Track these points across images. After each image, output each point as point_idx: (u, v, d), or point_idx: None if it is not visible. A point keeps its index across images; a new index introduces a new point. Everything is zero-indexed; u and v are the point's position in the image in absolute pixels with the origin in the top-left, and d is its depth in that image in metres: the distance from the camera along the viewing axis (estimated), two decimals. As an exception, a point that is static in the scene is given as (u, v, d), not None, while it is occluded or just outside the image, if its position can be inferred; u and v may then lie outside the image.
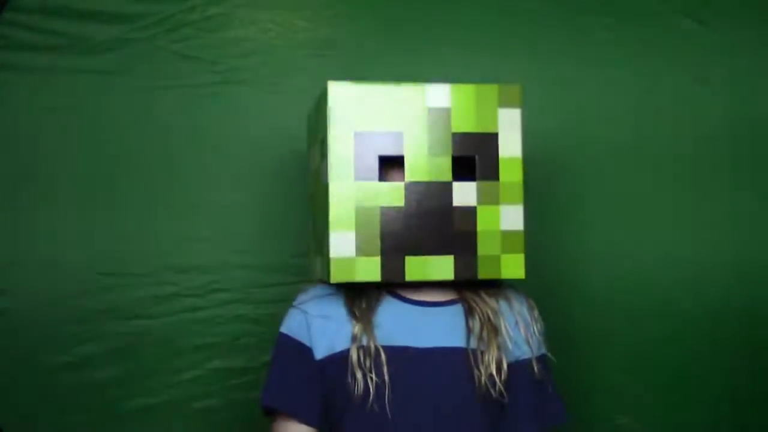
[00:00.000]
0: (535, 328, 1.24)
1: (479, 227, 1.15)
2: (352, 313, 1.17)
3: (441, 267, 1.14)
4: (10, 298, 1.59)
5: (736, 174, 1.83)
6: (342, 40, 1.71)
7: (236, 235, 1.66)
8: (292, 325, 1.21)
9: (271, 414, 1.21)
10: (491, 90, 1.16)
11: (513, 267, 1.16)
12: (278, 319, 1.25)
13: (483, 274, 1.15)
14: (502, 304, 1.23)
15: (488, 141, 1.15)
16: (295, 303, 1.24)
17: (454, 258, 1.14)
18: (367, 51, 1.72)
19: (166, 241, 1.64)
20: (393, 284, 1.19)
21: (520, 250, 1.16)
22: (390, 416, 1.11)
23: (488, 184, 1.15)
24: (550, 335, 1.27)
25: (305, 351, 1.18)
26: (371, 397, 1.11)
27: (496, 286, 1.25)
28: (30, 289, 1.59)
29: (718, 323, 1.81)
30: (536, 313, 1.26)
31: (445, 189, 1.14)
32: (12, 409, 1.58)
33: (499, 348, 1.16)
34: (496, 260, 1.16)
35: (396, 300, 1.20)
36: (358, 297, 1.19)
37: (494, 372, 1.14)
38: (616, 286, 1.79)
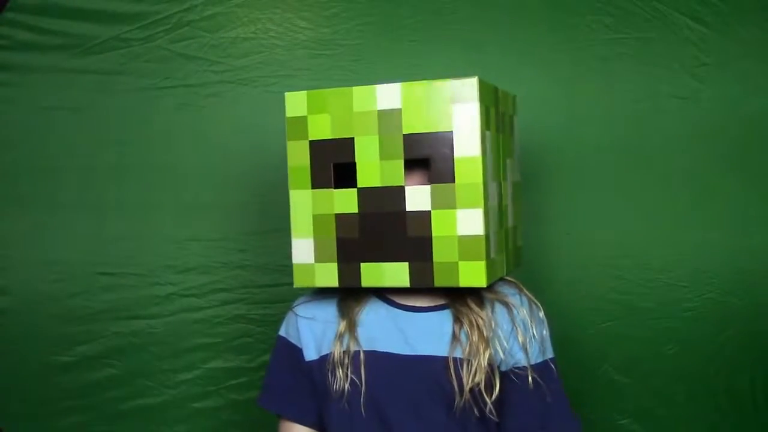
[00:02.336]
0: (535, 332, 1.17)
1: (434, 232, 1.09)
2: (341, 312, 1.17)
3: (396, 274, 1.10)
4: (11, 297, 1.59)
5: (736, 173, 1.83)
6: (342, 40, 1.71)
7: (236, 235, 1.66)
8: (287, 327, 1.22)
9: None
10: (444, 86, 1.07)
11: (472, 275, 1.08)
12: (278, 319, 1.25)
13: (439, 281, 1.09)
14: (498, 309, 1.18)
15: (442, 140, 1.08)
16: (293, 305, 1.25)
17: (409, 265, 1.10)
18: (367, 51, 1.71)
19: (166, 241, 1.64)
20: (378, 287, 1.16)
21: (480, 256, 1.07)
22: (364, 416, 1.10)
23: (443, 187, 1.08)
24: (550, 332, 1.25)
25: (296, 352, 1.18)
26: (345, 396, 1.11)
27: (493, 289, 1.20)
28: (30, 289, 1.59)
29: (718, 323, 1.81)
30: (541, 314, 1.21)
31: (398, 193, 1.09)
32: (12, 409, 1.58)
33: (490, 358, 1.11)
34: (453, 267, 1.08)
35: (382, 303, 1.18)
36: (348, 297, 1.19)
37: (482, 386, 1.09)
38: (617, 286, 1.79)
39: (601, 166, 1.79)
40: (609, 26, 1.78)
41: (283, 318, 1.24)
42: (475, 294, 1.17)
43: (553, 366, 1.20)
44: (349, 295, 1.19)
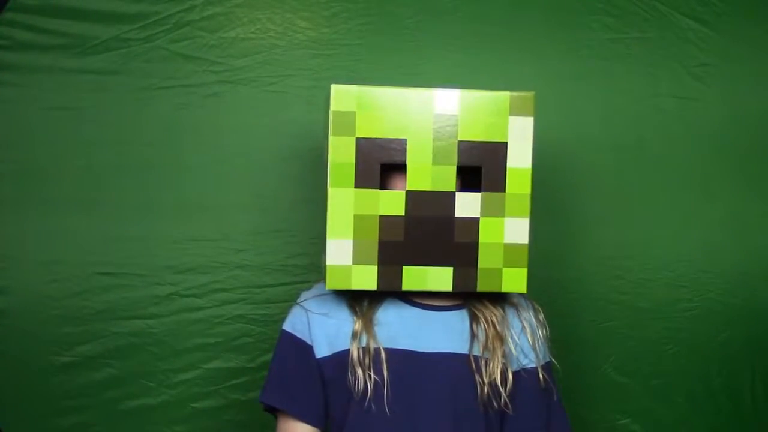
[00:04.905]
0: (540, 333, 1.22)
1: (481, 239, 1.12)
2: (353, 310, 1.17)
3: (439, 278, 1.12)
4: (10, 298, 1.59)
5: (736, 174, 1.83)
6: (342, 40, 1.71)
7: (236, 235, 1.66)
8: (294, 322, 1.21)
9: (272, 411, 1.21)
10: (503, 98, 1.11)
11: (514, 281, 1.13)
12: (278, 319, 1.25)
13: (483, 287, 1.13)
14: (509, 310, 1.22)
15: (496, 150, 1.11)
16: (298, 300, 1.24)
17: (454, 270, 1.12)
18: (367, 51, 1.71)
19: (165, 241, 1.64)
20: None
21: (523, 264, 1.13)
22: (389, 415, 1.11)
23: (493, 196, 1.12)
24: (550, 335, 1.26)
25: (306, 349, 1.18)
26: (369, 395, 1.10)
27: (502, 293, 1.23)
28: (30, 289, 1.59)
29: (718, 323, 1.81)
30: (542, 316, 1.24)
31: (448, 199, 1.11)
32: (12, 409, 1.58)
33: (504, 356, 1.14)
34: (497, 273, 1.13)
35: (399, 301, 1.19)
36: (362, 295, 1.19)
37: (498, 381, 1.12)
38: (617, 286, 1.79)
39: (601, 166, 1.79)
40: (609, 26, 1.79)
41: (287, 313, 1.24)
42: (488, 294, 1.20)
43: (553, 367, 1.24)
44: (362, 293, 1.19)
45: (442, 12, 1.75)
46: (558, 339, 1.32)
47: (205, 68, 1.66)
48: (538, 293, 1.30)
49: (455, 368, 1.14)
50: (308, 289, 1.27)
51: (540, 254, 1.67)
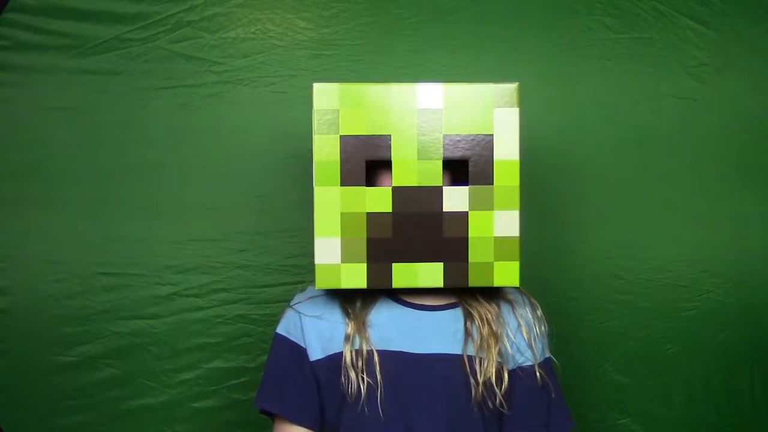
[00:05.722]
0: (538, 330, 1.21)
1: (471, 233, 1.11)
2: (346, 313, 1.17)
3: (430, 274, 1.11)
4: (12, 297, 1.59)
5: (736, 174, 1.83)
6: (342, 40, 1.71)
7: (236, 235, 1.66)
8: (287, 325, 1.21)
9: (268, 414, 1.21)
10: (487, 90, 1.11)
11: (506, 274, 1.12)
12: (278, 319, 1.25)
13: (474, 281, 1.12)
14: (504, 307, 1.21)
15: (483, 143, 1.10)
16: (291, 303, 1.24)
17: (444, 265, 1.11)
18: (367, 51, 1.71)
19: (165, 241, 1.64)
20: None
21: (515, 257, 1.12)
22: (383, 418, 1.10)
23: (481, 189, 1.10)
24: (549, 332, 1.26)
25: (300, 352, 1.17)
26: (363, 398, 1.10)
27: (497, 288, 1.22)
28: (30, 289, 1.59)
29: (718, 323, 1.81)
30: (540, 312, 1.23)
31: (435, 194, 1.10)
32: (12, 409, 1.58)
33: (500, 354, 1.14)
34: (488, 267, 1.11)
35: (392, 302, 1.18)
36: (354, 297, 1.19)
37: (493, 380, 1.11)
38: (617, 286, 1.79)
39: (601, 166, 1.79)
40: (609, 26, 1.78)
41: (281, 316, 1.24)
42: (483, 291, 1.19)
43: (552, 364, 1.23)
44: (354, 294, 1.18)
45: (442, 12, 1.75)
46: (558, 339, 1.32)
47: (205, 68, 1.66)
48: (538, 293, 1.29)
49: (449, 369, 1.13)
50: (302, 290, 1.27)
51: (539, 254, 1.69)
